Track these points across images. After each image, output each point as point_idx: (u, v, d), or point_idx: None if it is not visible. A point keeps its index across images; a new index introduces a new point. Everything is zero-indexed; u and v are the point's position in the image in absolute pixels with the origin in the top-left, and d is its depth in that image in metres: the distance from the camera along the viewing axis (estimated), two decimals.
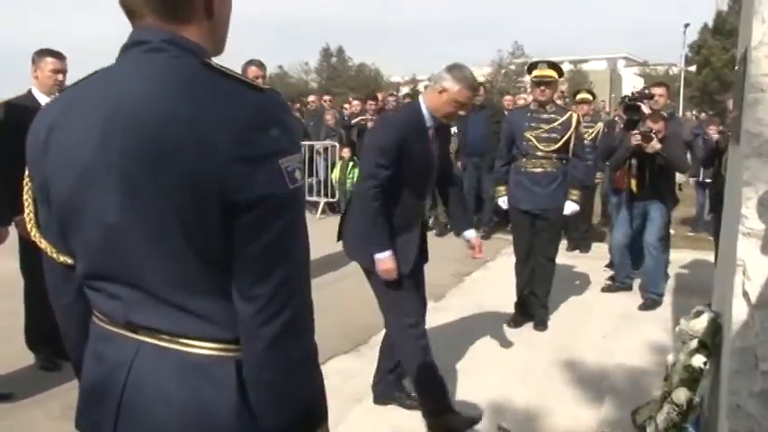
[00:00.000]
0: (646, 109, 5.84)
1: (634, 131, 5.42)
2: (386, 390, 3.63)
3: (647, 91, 6.16)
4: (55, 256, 1.26)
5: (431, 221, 9.19)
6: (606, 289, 6.09)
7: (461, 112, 3.34)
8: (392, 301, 3.28)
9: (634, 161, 5.53)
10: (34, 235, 1.28)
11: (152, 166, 1.05)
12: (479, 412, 3.20)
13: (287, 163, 1.06)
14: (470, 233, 3.65)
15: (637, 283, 6.00)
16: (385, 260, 3.16)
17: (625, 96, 6.24)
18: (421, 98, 3.34)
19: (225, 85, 1.09)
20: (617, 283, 6.05)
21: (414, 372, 3.29)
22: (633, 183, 5.58)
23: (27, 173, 1.26)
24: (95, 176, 1.10)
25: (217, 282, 1.10)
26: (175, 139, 1.04)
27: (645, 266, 5.77)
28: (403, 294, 3.26)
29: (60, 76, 3.92)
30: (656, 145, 5.31)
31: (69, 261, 1.25)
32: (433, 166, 3.33)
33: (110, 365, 1.19)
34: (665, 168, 5.45)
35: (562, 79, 6.30)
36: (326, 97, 12.23)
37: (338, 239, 3.42)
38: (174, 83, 1.08)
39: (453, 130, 8.64)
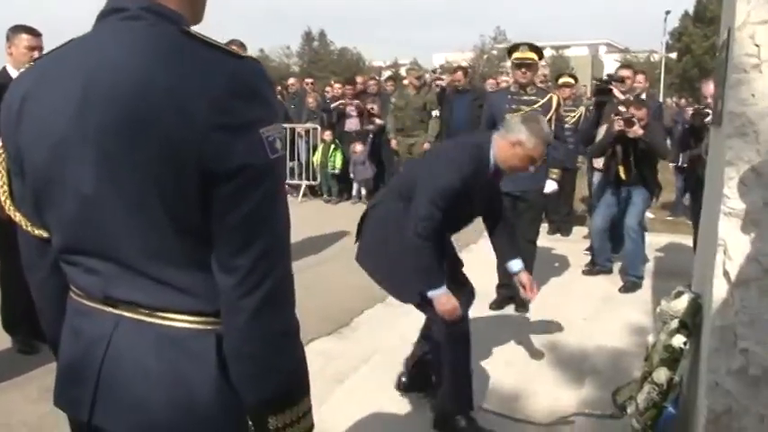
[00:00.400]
0: (617, 92, 5.89)
1: (617, 117, 5.44)
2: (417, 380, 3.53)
3: (617, 74, 6.19)
4: (30, 229, 1.23)
5: None
6: (587, 272, 6.13)
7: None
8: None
9: (619, 148, 5.55)
10: (8, 207, 1.25)
11: (130, 136, 1.03)
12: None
13: (267, 132, 1.05)
14: (516, 264, 3.41)
15: (617, 266, 6.04)
16: (442, 297, 3.00)
17: (596, 80, 6.27)
18: (492, 143, 3.14)
19: (204, 53, 1.06)
20: (597, 267, 6.08)
21: (452, 369, 3.14)
22: (621, 169, 5.59)
23: (0, 144, 1.22)
24: (71, 147, 1.08)
25: (196, 253, 1.08)
26: (154, 109, 1.01)
27: (625, 250, 5.81)
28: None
29: (36, 53, 3.81)
30: (638, 131, 5.35)
31: (44, 234, 1.22)
32: (480, 209, 3.29)
33: (87, 341, 1.17)
34: (648, 154, 5.48)
35: (544, 63, 6.32)
36: (308, 80, 12.13)
37: (358, 260, 3.31)
38: (153, 51, 1.06)
39: (435, 113, 8.67)
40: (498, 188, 3.44)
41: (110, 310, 1.15)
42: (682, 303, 2.88)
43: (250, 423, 1.15)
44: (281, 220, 1.10)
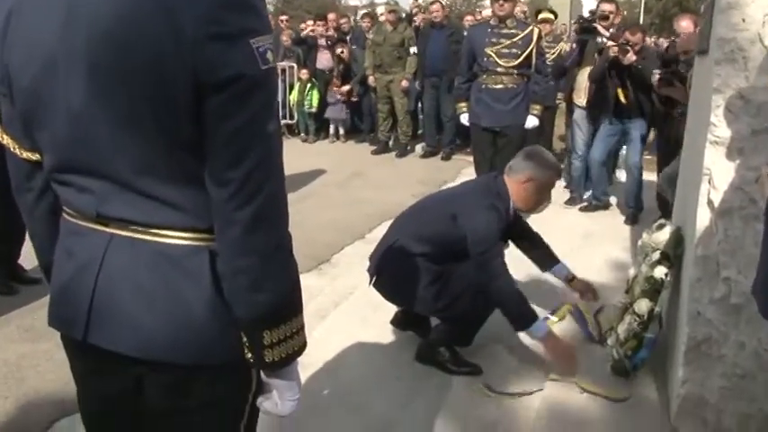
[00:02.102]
0: (602, 30, 5.83)
1: (611, 44, 5.41)
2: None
3: (600, 10, 6.11)
4: (18, 151, 1.21)
5: (391, 143, 9.14)
6: (568, 205, 6.15)
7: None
8: None
9: (614, 73, 5.52)
10: None
11: (118, 50, 1.00)
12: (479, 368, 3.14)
13: (258, 43, 1.02)
14: (563, 267, 3.35)
15: (595, 201, 6.05)
16: (550, 336, 2.89)
17: (580, 17, 6.17)
18: (506, 188, 3.07)
19: None
20: (595, 202, 6.05)
21: (462, 315, 3.05)
22: (621, 93, 5.54)
23: None
24: (59, 64, 1.05)
25: (188, 169, 1.07)
26: (142, 21, 0.99)
27: (626, 185, 5.84)
28: None
29: None
30: (631, 57, 5.31)
31: (33, 157, 1.20)
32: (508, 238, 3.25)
33: (81, 260, 1.16)
34: (642, 81, 5.42)
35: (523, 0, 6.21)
36: (282, 17, 11.84)
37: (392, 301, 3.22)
38: None
39: (413, 50, 8.53)
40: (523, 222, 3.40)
41: (102, 228, 1.14)
42: (663, 235, 2.89)
43: (245, 339, 1.14)
44: (272, 131, 1.08)
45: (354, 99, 9.60)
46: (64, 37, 1.04)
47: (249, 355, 1.15)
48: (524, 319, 2.88)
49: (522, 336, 3.42)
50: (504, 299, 2.90)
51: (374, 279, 3.20)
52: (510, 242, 3.42)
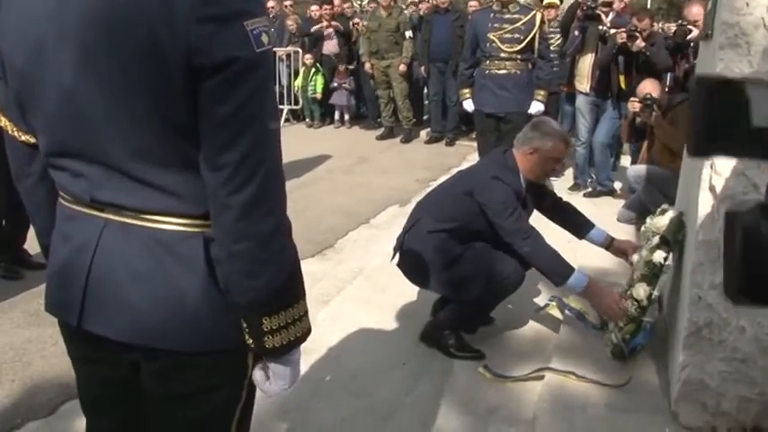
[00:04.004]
0: (604, 18, 5.80)
1: (620, 29, 5.39)
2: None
3: None
4: (16, 134, 1.21)
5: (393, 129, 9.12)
6: (573, 188, 6.13)
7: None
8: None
9: (621, 59, 5.51)
10: None
11: (110, 30, 1.00)
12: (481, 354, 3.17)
13: (252, 25, 1.01)
14: (600, 232, 3.34)
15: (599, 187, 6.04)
16: (591, 287, 2.91)
17: (581, 4, 6.08)
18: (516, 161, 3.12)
19: None
20: (599, 187, 6.04)
21: (468, 301, 3.10)
22: (622, 79, 5.55)
23: None
24: (51, 44, 1.04)
25: (183, 153, 1.06)
26: (135, 1, 0.98)
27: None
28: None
29: None
30: (640, 43, 5.29)
31: (31, 140, 1.20)
32: (532, 209, 3.27)
33: (76, 245, 1.16)
34: (649, 67, 5.39)
35: None
36: (287, 2, 11.77)
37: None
38: None
39: (408, 34, 8.50)
40: (543, 186, 3.40)
41: (97, 213, 1.14)
42: (664, 220, 2.90)
43: (245, 325, 1.14)
44: (268, 113, 1.06)
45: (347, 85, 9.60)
46: (55, 18, 1.03)
47: (250, 341, 1.15)
48: (562, 273, 2.93)
49: (524, 320, 3.45)
50: (539, 257, 2.96)
51: (397, 255, 3.26)
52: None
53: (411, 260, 3.16)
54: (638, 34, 5.29)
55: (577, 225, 3.39)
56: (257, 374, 1.23)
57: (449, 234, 3.07)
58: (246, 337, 1.15)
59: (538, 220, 3.31)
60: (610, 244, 3.33)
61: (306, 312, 1.18)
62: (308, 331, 1.20)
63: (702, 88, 0.61)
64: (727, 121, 0.61)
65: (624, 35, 5.32)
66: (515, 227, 2.97)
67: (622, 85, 5.55)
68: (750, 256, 0.60)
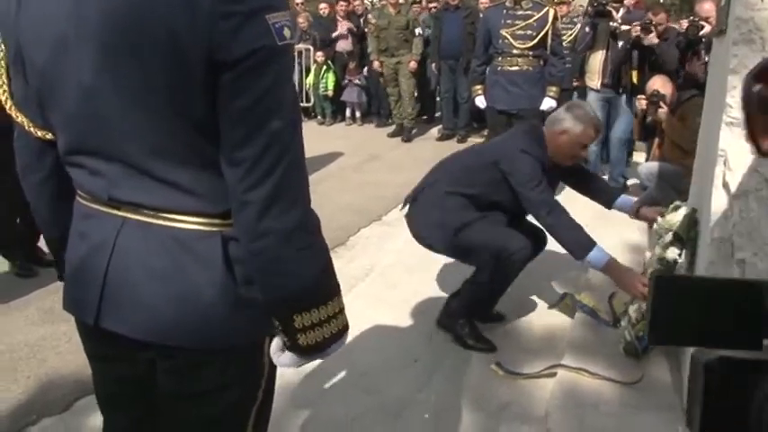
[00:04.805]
0: (615, 15, 5.77)
1: (635, 23, 5.40)
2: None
3: None
4: (32, 130, 1.20)
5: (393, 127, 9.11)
6: None
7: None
8: None
9: (635, 53, 5.53)
10: (9, 108, 1.21)
11: (131, 26, 0.99)
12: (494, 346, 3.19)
13: (274, 19, 1.00)
14: (627, 199, 3.40)
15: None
16: (611, 265, 2.91)
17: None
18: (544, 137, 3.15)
19: None
20: (612, 183, 5.96)
21: (479, 286, 3.15)
22: (634, 74, 5.56)
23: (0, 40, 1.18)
24: (71, 41, 1.04)
25: (202, 151, 1.06)
26: (153, 0, 0.97)
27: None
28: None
29: None
30: (653, 39, 5.28)
31: (47, 136, 1.19)
32: (556, 184, 3.30)
33: (93, 244, 1.16)
34: (664, 64, 5.38)
35: None
36: (297, 0, 11.77)
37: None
38: None
39: (418, 31, 8.49)
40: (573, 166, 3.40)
41: (114, 212, 1.14)
42: (677, 217, 2.88)
43: (277, 323, 1.12)
44: (288, 108, 1.05)
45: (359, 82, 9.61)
46: (75, 14, 1.02)
47: (285, 339, 1.13)
48: (584, 246, 2.92)
49: (536, 315, 3.45)
50: (561, 230, 2.98)
51: (407, 207, 3.29)
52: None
53: (422, 214, 3.20)
54: (653, 28, 5.28)
55: (606, 195, 3.45)
56: (274, 343, 1.20)
57: (468, 199, 3.12)
58: (281, 334, 1.13)
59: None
60: (637, 211, 3.36)
61: (341, 309, 1.16)
62: (345, 328, 1.18)
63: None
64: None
65: (638, 28, 5.33)
66: (540, 197, 2.99)
67: (635, 81, 5.52)
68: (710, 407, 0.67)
